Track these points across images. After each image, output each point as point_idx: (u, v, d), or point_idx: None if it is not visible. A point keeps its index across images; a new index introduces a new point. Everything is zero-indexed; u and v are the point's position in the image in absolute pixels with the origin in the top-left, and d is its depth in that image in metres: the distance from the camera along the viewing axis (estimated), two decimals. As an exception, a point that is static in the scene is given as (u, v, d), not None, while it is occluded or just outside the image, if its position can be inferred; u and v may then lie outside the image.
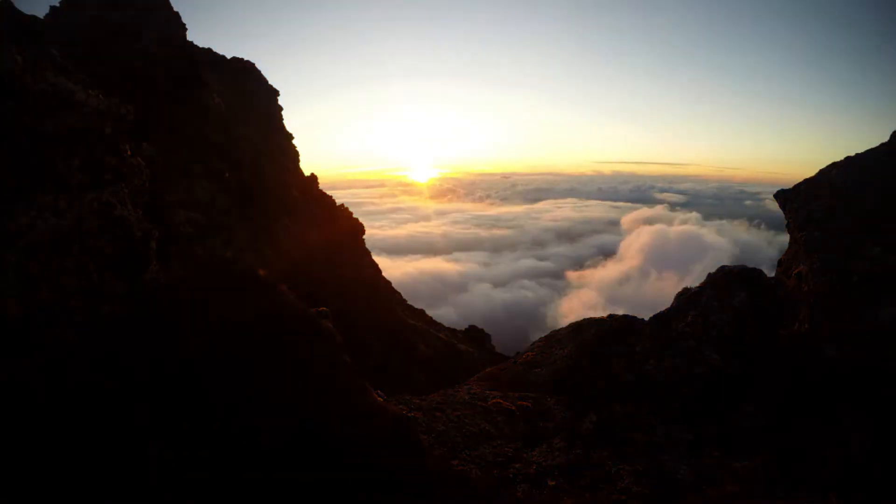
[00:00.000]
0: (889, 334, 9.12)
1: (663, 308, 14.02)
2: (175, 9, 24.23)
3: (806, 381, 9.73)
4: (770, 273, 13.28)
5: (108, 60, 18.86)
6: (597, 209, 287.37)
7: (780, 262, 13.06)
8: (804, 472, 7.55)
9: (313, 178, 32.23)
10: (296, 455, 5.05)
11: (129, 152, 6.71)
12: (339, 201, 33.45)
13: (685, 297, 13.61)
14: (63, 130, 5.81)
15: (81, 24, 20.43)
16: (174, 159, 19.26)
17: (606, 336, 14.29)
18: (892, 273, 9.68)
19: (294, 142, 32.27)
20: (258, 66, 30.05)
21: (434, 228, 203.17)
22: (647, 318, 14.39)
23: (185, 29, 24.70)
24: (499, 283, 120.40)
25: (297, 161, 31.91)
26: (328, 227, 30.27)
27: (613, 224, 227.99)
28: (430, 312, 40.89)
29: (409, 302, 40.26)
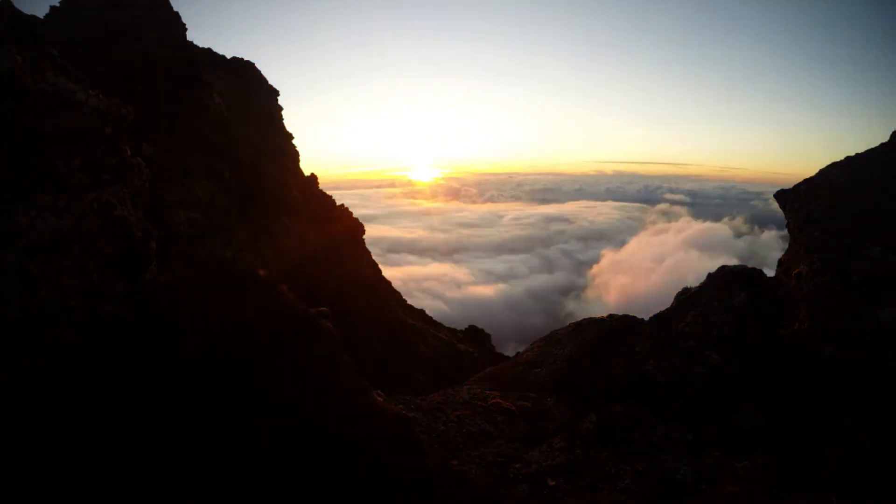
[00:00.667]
0: (889, 334, 9.12)
1: (663, 308, 14.03)
2: (175, 9, 24.27)
3: (806, 380, 9.73)
4: (770, 273, 13.28)
5: (108, 60, 18.85)
6: (610, 210, 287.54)
7: (780, 262, 13.06)
8: (804, 472, 7.54)
9: (313, 177, 32.22)
10: (296, 455, 5.05)
11: (129, 152, 6.71)
12: (339, 201, 33.45)
13: (685, 297, 13.63)
14: (63, 130, 5.80)
15: (81, 24, 20.42)
16: (174, 159, 19.25)
17: (606, 336, 14.30)
18: (892, 273, 9.68)
19: (294, 141, 32.28)
20: (258, 66, 30.06)
21: (434, 228, 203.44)
22: (646, 318, 14.41)
23: (186, 29, 24.72)
24: (499, 283, 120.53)
25: (297, 161, 31.89)
26: (328, 227, 30.27)
27: (627, 225, 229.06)
28: (429, 312, 40.88)
29: (410, 302, 40.26)
